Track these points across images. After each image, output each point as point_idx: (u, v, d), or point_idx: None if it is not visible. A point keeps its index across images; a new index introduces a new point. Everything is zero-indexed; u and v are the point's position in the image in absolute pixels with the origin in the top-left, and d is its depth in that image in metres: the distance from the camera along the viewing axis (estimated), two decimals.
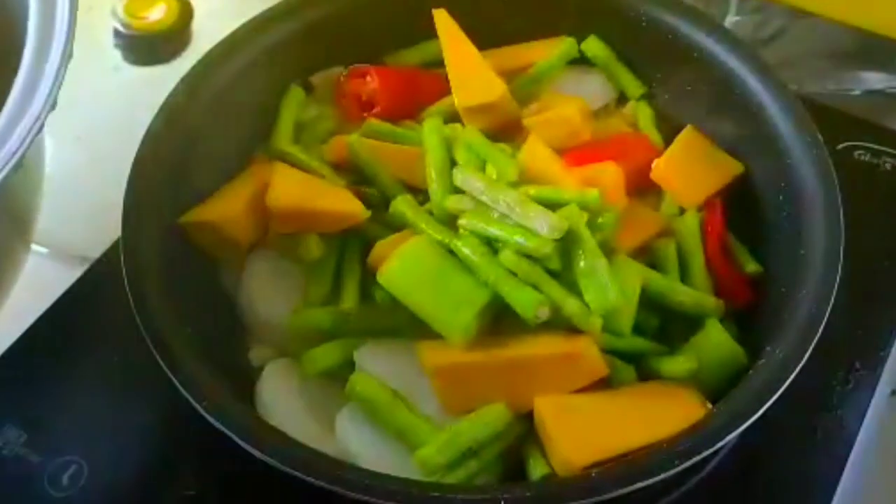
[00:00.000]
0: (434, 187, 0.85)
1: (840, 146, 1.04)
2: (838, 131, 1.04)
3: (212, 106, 0.90)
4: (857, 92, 1.15)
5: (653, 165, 0.90)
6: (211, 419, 0.71)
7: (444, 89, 0.94)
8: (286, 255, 0.87)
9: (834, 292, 0.76)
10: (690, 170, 0.91)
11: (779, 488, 0.84)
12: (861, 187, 0.97)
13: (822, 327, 0.74)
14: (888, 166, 1.04)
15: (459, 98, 0.91)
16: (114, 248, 0.92)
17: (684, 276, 0.85)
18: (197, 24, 1.22)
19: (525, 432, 0.78)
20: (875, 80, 1.16)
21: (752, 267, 0.87)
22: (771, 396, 0.71)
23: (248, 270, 0.88)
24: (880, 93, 1.15)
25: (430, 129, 0.87)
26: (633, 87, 0.98)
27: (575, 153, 0.88)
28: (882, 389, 0.88)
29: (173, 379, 0.73)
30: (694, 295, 0.83)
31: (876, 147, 1.05)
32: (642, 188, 0.90)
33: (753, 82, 0.90)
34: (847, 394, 0.88)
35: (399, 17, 0.99)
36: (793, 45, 1.17)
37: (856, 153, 1.04)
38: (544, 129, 0.90)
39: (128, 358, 0.87)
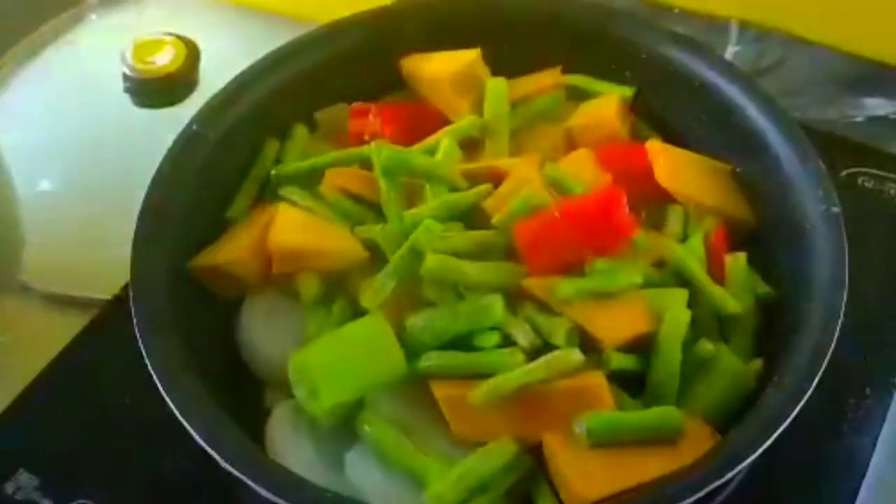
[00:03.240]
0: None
1: (843, 173, 1.04)
2: (841, 158, 1.04)
3: (217, 149, 0.92)
4: (859, 119, 1.15)
5: (654, 166, 0.89)
6: (224, 463, 0.71)
7: (442, 122, 0.95)
8: (288, 295, 0.87)
9: (839, 323, 0.75)
10: (693, 175, 0.91)
11: None
12: (865, 213, 0.97)
13: (828, 356, 0.74)
14: (893, 192, 1.04)
15: (433, 69, 0.94)
16: (124, 290, 0.91)
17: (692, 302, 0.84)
18: (204, 67, 1.24)
19: (533, 466, 0.78)
20: (878, 106, 1.16)
21: (763, 290, 0.86)
22: (780, 425, 0.71)
23: (247, 310, 0.89)
24: (883, 119, 1.15)
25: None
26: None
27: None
28: (893, 416, 0.88)
29: (185, 423, 0.73)
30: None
31: (880, 173, 1.05)
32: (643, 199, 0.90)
33: (754, 112, 0.91)
34: (858, 421, 0.88)
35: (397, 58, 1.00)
36: (793, 74, 1.18)
37: (860, 179, 1.04)
38: (585, 132, 0.93)
39: (138, 401, 0.87)
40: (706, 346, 0.80)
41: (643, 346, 0.79)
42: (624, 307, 0.80)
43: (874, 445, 0.86)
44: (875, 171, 1.05)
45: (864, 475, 0.84)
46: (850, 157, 1.05)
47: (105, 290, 0.99)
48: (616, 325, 0.79)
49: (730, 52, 1.17)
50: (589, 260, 0.81)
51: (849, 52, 1.18)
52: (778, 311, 0.85)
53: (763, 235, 0.90)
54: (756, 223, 0.91)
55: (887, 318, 0.94)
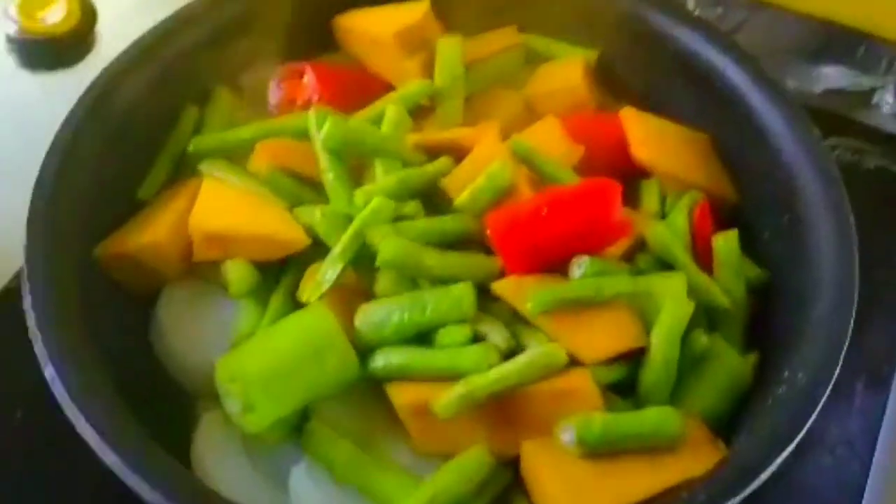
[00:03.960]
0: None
1: None
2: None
3: (125, 118, 0.80)
4: (818, 90, 1.09)
5: (630, 138, 0.80)
6: (137, 485, 0.60)
7: (388, 88, 0.85)
8: (213, 287, 0.76)
9: (854, 308, 0.67)
10: (673, 147, 0.82)
11: None
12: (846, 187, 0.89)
13: (845, 347, 0.66)
14: (871, 165, 0.97)
15: (375, 27, 0.84)
16: (16, 279, 0.80)
17: None
18: (101, 27, 1.11)
19: (510, 482, 0.68)
20: (836, 76, 1.10)
21: (755, 273, 0.78)
22: (801, 428, 0.63)
23: (164, 305, 0.77)
24: (842, 90, 1.09)
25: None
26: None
27: None
28: (892, 408, 0.81)
29: (93, 442, 0.62)
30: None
31: (858, 144, 0.98)
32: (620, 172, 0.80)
33: (735, 74, 0.83)
34: (854, 416, 0.81)
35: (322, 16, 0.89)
36: (751, 42, 1.09)
37: (838, 151, 0.97)
38: (548, 100, 0.83)
39: (35, 416, 0.75)
40: (701, 340, 0.71)
41: (630, 354, 0.70)
42: (607, 319, 0.70)
43: (875, 441, 0.79)
44: (853, 142, 0.98)
45: (867, 474, 0.78)
46: (825, 128, 0.97)
47: None
48: (598, 341, 0.69)
49: None
50: (574, 259, 0.71)
51: (810, 14, 1.10)
52: (771, 295, 0.77)
53: (747, 212, 0.82)
54: (740, 199, 0.82)
55: (875, 307, 0.86)
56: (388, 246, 0.68)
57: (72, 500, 0.76)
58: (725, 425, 0.70)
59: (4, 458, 0.77)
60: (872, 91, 1.09)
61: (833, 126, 1.00)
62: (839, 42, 1.10)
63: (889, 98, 1.09)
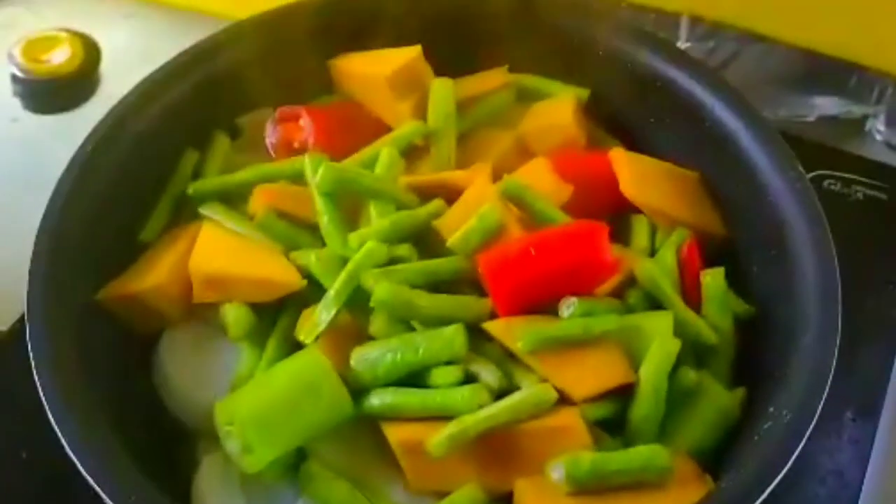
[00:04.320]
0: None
1: (809, 175, 0.97)
2: (804, 160, 0.96)
3: (128, 162, 0.81)
4: (810, 118, 1.11)
5: (620, 178, 0.81)
6: None
7: (381, 126, 0.86)
8: (213, 329, 0.77)
9: (837, 343, 0.69)
10: (661, 185, 0.83)
11: None
12: (833, 219, 0.90)
13: (829, 382, 0.67)
14: (860, 195, 0.99)
15: (369, 69, 0.86)
16: (21, 321, 0.79)
17: None
18: (105, 67, 1.12)
19: None
20: (829, 105, 1.12)
21: (743, 308, 0.79)
22: (785, 464, 0.64)
23: (166, 347, 0.79)
24: (835, 119, 1.11)
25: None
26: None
27: None
28: (881, 438, 0.82)
29: (97, 488, 0.63)
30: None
31: (846, 175, 0.99)
32: (612, 207, 0.83)
33: (722, 111, 0.84)
34: (845, 446, 0.82)
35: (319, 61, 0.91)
36: (745, 72, 1.12)
37: (825, 182, 0.99)
38: (539, 139, 0.85)
39: (39, 456, 0.76)
40: (689, 376, 0.72)
41: (619, 391, 0.71)
42: (596, 357, 0.71)
43: (865, 469, 0.80)
44: (841, 174, 0.99)
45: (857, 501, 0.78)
46: (813, 159, 0.99)
47: (1, 319, 0.88)
48: (588, 378, 0.70)
49: (680, 47, 1.10)
50: (563, 299, 0.72)
51: (801, 46, 1.12)
52: (758, 329, 0.78)
53: (736, 247, 0.83)
54: (728, 234, 0.83)
55: (864, 334, 0.88)
56: (381, 288, 0.70)
57: None
58: (713, 459, 0.71)
59: (10, 498, 0.79)
60: (864, 119, 1.11)
61: (823, 157, 1.02)
62: (831, 72, 1.11)
63: (880, 126, 1.10)
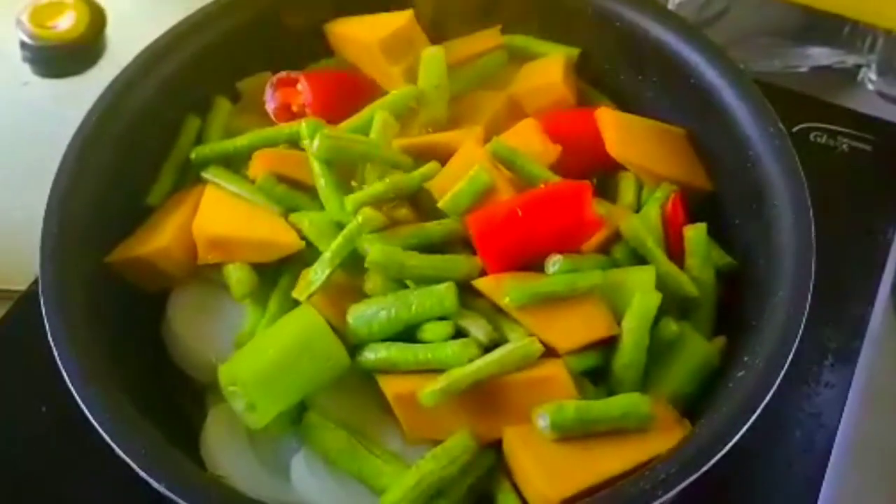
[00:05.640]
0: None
1: (796, 128, 1.00)
2: (792, 112, 0.99)
3: (134, 127, 0.84)
4: (804, 69, 1.12)
5: (605, 137, 0.84)
6: (148, 478, 0.66)
7: (377, 89, 0.89)
8: (218, 288, 0.80)
9: (808, 298, 0.72)
10: (647, 142, 0.86)
11: (765, 491, 0.81)
12: (819, 170, 0.92)
13: (799, 335, 0.70)
14: (845, 147, 1.01)
15: (362, 34, 0.88)
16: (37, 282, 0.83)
17: None
18: (111, 32, 1.14)
19: (493, 464, 0.73)
20: (822, 55, 1.13)
21: (725, 261, 0.82)
22: (754, 410, 0.67)
23: (174, 305, 0.82)
24: (828, 69, 1.12)
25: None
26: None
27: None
28: (857, 383, 0.85)
29: (108, 439, 0.67)
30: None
31: (832, 128, 1.01)
32: (600, 165, 0.85)
33: (708, 70, 0.86)
34: (822, 391, 0.85)
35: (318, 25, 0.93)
36: (737, 25, 1.14)
37: (812, 135, 1.01)
38: (530, 99, 0.87)
39: (59, 411, 0.79)
40: (670, 327, 0.75)
41: (602, 342, 0.74)
42: (581, 311, 0.74)
43: (841, 413, 0.84)
44: (827, 126, 1.01)
45: (833, 444, 0.82)
46: (800, 112, 1.01)
47: (18, 280, 0.91)
48: (572, 331, 0.73)
49: (672, 3, 1.12)
50: (549, 257, 0.75)
51: (791, 0, 1.13)
52: (739, 281, 0.81)
53: (719, 201, 0.86)
54: (714, 188, 0.86)
55: (845, 284, 0.91)
56: (375, 250, 0.73)
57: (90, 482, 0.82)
58: (693, 405, 0.75)
59: (30, 450, 0.83)
60: (858, 69, 1.12)
61: (811, 110, 1.04)
62: (823, 23, 1.12)
63: (873, 75, 1.12)
